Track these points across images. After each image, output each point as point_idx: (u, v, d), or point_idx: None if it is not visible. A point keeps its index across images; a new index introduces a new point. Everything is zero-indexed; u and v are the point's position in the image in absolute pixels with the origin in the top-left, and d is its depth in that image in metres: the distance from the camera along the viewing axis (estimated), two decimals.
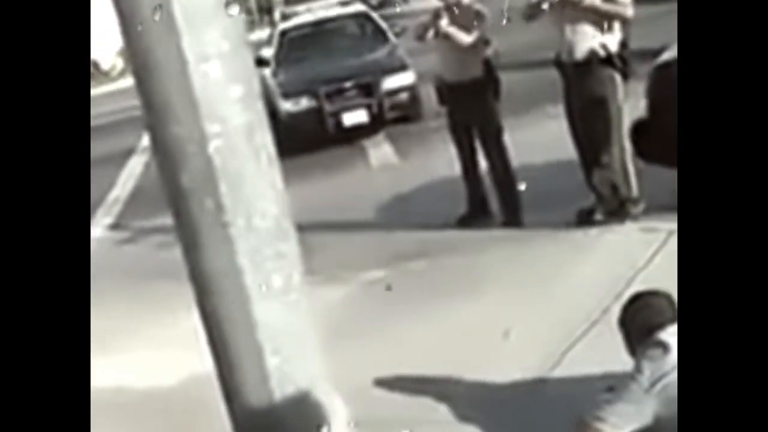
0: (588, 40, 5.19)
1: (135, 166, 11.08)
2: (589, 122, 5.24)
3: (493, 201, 5.99)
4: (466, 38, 5.75)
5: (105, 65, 28.28)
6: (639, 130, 5.36)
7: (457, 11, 5.82)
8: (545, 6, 5.22)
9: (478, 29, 5.78)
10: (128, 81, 1.84)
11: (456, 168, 6.07)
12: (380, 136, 9.68)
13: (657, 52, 5.51)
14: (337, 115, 9.69)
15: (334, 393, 2.04)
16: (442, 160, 6.67)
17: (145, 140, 11.46)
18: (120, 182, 10.36)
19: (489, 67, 5.91)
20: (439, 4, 5.93)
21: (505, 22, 7.21)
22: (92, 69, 28.52)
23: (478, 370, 3.71)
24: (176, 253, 1.86)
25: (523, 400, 3.48)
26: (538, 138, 6.90)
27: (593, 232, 5.15)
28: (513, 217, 5.81)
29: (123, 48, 1.68)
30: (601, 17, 5.14)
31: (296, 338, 1.93)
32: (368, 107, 9.74)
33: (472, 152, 5.99)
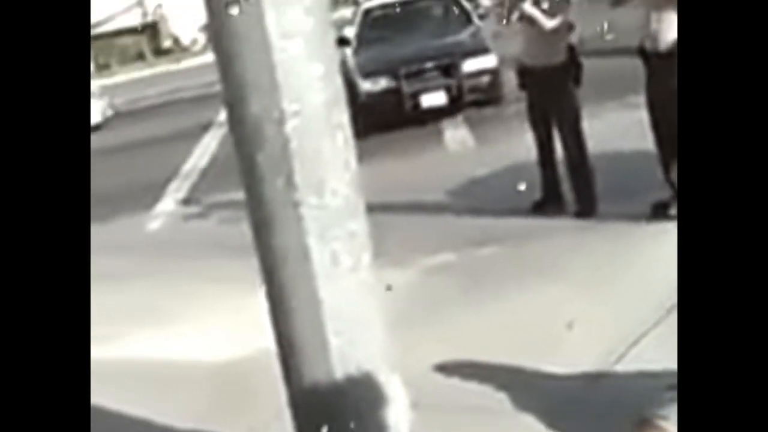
0: (674, 29, 5.04)
1: (210, 141, 11.28)
2: (671, 115, 5.07)
3: (568, 189, 5.91)
4: (549, 22, 5.67)
5: (186, 40, 28.78)
6: None
7: None
8: None
9: (563, 14, 5.69)
10: (208, 56, 1.84)
11: (533, 154, 6.00)
12: (458, 119, 9.64)
13: None
14: (415, 96, 9.68)
15: (394, 376, 2.03)
16: (519, 145, 6.60)
17: (222, 115, 11.67)
18: (194, 157, 10.52)
19: (572, 53, 5.81)
20: None
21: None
22: (173, 44, 29.07)
23: (542, 360, 3.67)
24: (245, 228, 1.87)
25: (584, 393, 3.43)
26: (617, 127, 6.76)
27: (668, 226, 5.02)
28: (587, 207, 5.71)
29: (205, 23, 1.68)
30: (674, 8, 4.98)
31: (360, 319, 1.92)
32: (447, 89, 9.70)
33: (549, 138, 5.90)
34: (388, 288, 4.71)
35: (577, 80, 5.81)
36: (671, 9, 5.02)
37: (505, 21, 5.98)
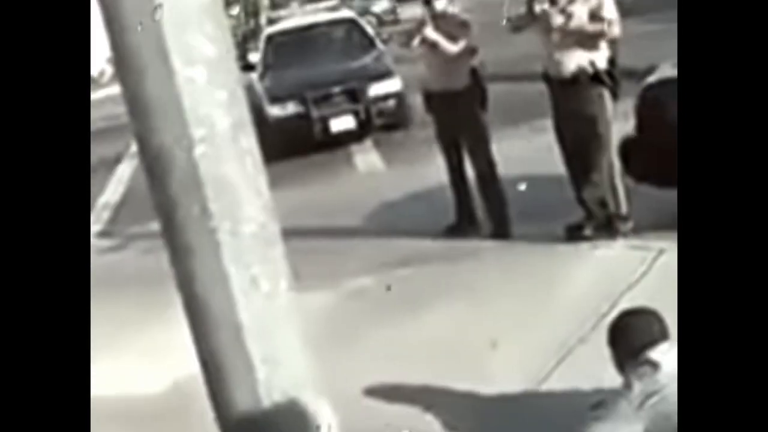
0: (576, 56, 5.18)
1: (124, 172, 11.05)
2: (578, 139, 5.24)
3: (480, 212, 5.97)
4: (451, 47, 5.74)
5: (94, 72, 28.34)
6: (627, 147, 5.36)
7: (442, 20, 5.82)
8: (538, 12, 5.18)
9: (464, 38, 5.77)
10: (116, 88, 1.86)
11: (443, 177, 6.05)
12: (367, 143, 9.69)
13: (646, 71, 5.49)
14: (324, 120, 9.70)
15: (321, 401, 2.04)
16: (429, 168, 6.66)
17: (134, 147, 11.44)
18: (109, 189, 10.32)
19: (476, 76, 5.90)
20: (425, 13, 5.92)
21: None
22: None
23: (466, 380, 3.69)
24: (164, 258, 1.86)
25: (510, 413, 3.47)
26: (526, 151, 6.90)
27: (582, 247, 5.16)
28: (501, 229, 5.79)
29: (111, 55, 1.71)
30: (589, 37, 5.13)
31: (283, 344, 1.94)
32: (355, 113, 9.76)
33: (460, 162, 5.98)
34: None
35: (483, 104, 5.89)
36: (572, 39, 5.16)
37: (407, 45, 6.02)
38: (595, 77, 5.15)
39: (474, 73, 5.89)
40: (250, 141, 1.80)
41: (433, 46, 5.79)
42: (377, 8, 30.64)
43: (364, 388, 3.77)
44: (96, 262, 7.92)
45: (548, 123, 5.57)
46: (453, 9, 6.07)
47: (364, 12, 23.95)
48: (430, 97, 6.07)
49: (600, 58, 5.18)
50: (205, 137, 1.65)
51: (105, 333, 4.86)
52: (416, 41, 5.87)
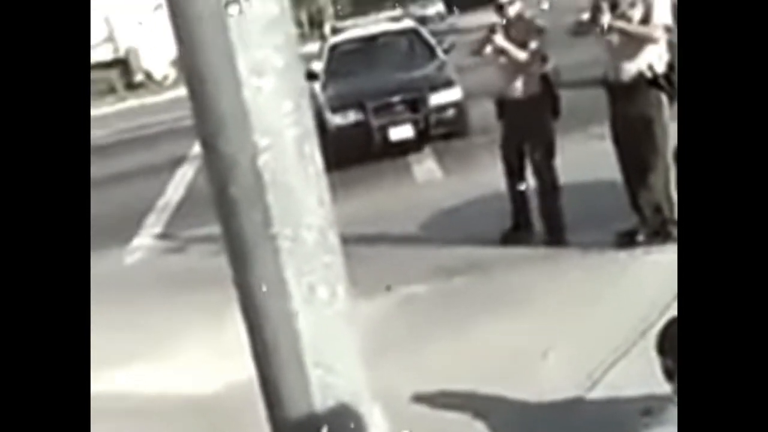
0: (636, 61, 5.18)
1: (184, 175, 11.26)
2: (635, 143, 5.22)
3: (537, 218, 5.97)
4: (521, 54, 5.73)
5: (158, 75, 28.87)
6: None
7: (513, 26, 5.80)
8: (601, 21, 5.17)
9: (536, 44, 5.76)
10: (180, 91, 1.89)
11: (500, 185, 6.07)
12: (425, 152, 9.73)
13: None
14: (383, 129, 9.76)
15: (375, 405, 2.06)
16: (486, 176, 6.68)
17: (196, 149, 11.66)
18: (169, 191, 10.53)
19: (547, 83, 5.86)
20: (497, 20, 5.90)
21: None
22: (145, 79, 29.17)
23: (517, 388, 3.72)
24: (222, 261, 1.92)
25: (560, 420, 3.48)
26: (581, 157, 6.88)
27: (635, 253, 5.13)
28: (556, 236, 5.78)
29: (176, 58, 1.72)
30: (636, 39, 5.12)
31: (339, 350, 1.94)
32: (415, 122, 9.80)
33: (521, 168, 5.95)
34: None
35: (555, 111, 5.86)
36: (632, 43, 5.15)
37: (478, 53, 6.02)
38: (654, 81, 5.13)
39: (545, 79, 5.87)
40: (313, 150, 1.80)
41: (503, 53, 5.80)
42: (430, 11, 31.35)
43: (415, 394, 3.82)
44: (155, 263, 8.09)
45: (603, 129, 5.55)
46: (527, 14, 6.02)
47: (422, 20, 24.15)
48: (502, 104, 6.04)
49: (659, 62, 5.16)
50: (269, 146, 1.64)
51: (161, 334, 5.03)
52: (488, 49, 5.88)
